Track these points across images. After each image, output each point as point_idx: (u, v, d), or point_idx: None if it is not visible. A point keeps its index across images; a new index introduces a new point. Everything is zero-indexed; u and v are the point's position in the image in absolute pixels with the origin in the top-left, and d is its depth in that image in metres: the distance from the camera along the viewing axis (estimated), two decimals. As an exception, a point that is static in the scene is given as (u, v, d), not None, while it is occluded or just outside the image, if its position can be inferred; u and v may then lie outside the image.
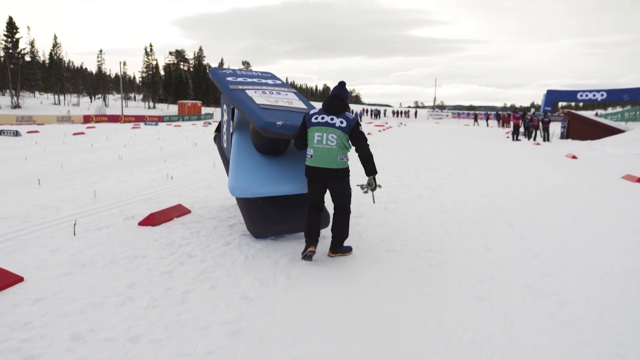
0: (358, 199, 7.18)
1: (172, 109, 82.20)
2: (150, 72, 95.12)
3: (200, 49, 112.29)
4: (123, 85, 70.86)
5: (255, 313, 3.46)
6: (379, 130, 33.09)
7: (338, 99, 4.66)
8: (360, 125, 4.70)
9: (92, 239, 5.21)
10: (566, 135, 26.38)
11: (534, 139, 25.60)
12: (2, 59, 67.66)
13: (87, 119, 45.49)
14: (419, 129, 37.90)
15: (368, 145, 4.62)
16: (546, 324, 3.37)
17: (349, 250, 4.86)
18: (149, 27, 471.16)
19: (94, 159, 13.12)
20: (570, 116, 26.91)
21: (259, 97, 5.43)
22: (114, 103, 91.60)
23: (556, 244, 5.38)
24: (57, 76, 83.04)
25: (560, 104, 58.75)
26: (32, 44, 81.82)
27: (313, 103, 6.33)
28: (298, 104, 5.62)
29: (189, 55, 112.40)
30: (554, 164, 13.81)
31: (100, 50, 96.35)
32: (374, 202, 5.20)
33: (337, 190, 4.67)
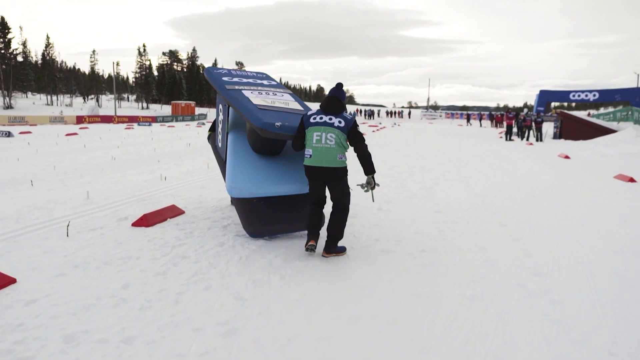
0: (352, 199, 7.17)
1: (166, 110, 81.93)
2: (144, 73, 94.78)
3: (194, 50, 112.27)
4: (116, 85, 70.56)
5: (249, 314, 3.46)
6: (373, 131, 33.13)
7: (336, 99, 4.76)
8: (358, 125, 4.76)
9: (86, 240, 5.19)
10: (559, 135, 26.52)
11: (527, 139, 25.71)
12: (-6, 59, 67.28)
13: (80, 120, 45.23)
14: (413, 129, 37.98)
15: (366, 145, 4.70)
16: (539, 323, 3.38)
17: (343, 250, 4.87)
18: (142, 28, 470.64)
19: (87, 159, 13.06)
20: (563, 116, 27.04)
21: (256, 98, 5.45)
22: (107, 103, 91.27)
23: (549, 244, 5.40)
24: (49, 77, 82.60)
25: (553, 104, 59.02)
26: (24, 44, 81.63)
27: (308, 104, 6.35)
28: (294, 105, 5.65)
29: (183, 55, 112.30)
30: (547, 164, 13.88)
31: (93, 51, 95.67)
32: (373, 201, 5.24)
33: (337, 190, 4.71)
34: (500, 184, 9.68)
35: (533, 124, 25.94)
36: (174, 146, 18.07)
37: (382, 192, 8.30)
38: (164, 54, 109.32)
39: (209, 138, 7.08)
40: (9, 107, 64.31)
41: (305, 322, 3.34)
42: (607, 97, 52.55)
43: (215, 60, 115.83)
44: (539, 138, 25.02)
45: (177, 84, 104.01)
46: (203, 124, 46.36)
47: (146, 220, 5.84)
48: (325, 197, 4.91)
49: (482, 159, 14.80)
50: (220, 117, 6.33)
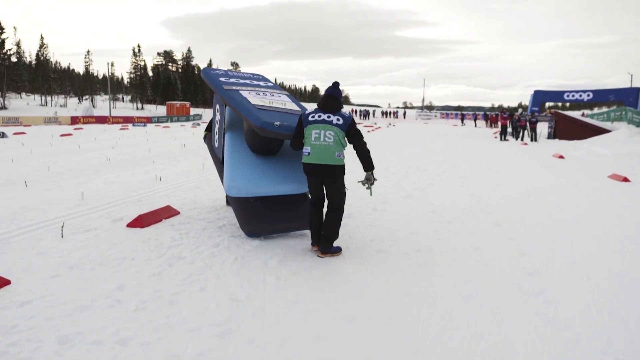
0: (347, 199, 7.18)
1: (161, 110, 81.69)
2: (139, 73, 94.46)
3: (189, 50, 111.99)
4: (111, 86, 70.22)
5: (244, 314, 3.45)
6: (368, 131, 33.12)
7: (334, 98, 4.81)
8: (356, 123, 4.81)
9: (80, 241, 5.17)
10: (553, 135, 26.61)
11: (522, 139, 25.79)
12: (-12, 60, 66.91)
13: (74, 120, 45.06)
14: (408, 130, 38.05)
15: (365, 142, 4.77)
16: (534, 323, 3.40)
17: (338, 250, 4.87)
18: (136, 28, 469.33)
19: (82, 160, 13.01)
20: (557, 116, 27.15)
21: (254, 98, 5.50)
22: (102, 104, 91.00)
23: (544, 243, 5.42)
24: (44, 77, 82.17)
25: (548, 104, 59.27)
26: (18, 44, 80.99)
27: (303, 104, 6.39)
28: (292, 105, 5.71)
29: (177, 56, 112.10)
30: (542, 163, 13.92)
31: (88, 51, 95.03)
32: (371, 195, 5.27)
33: (333, 188, 4.74)
34: (495, 184, 9.71)
35: (527, 124, 26.05)
36: (169, 147, 18.03)
37: (378, 193, 8.31)
38: (158, 54, 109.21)
39: (205, 138, 7.09)
40: (2, 107, 63.97)
41: (300, 322, 3.34)
42: (601, 97, 52.81)
43: (210, 61, 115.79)
44: (534, 138, 25.12)
45: (172, 85, 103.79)
46: (198, 124, 46.27)
47: (141, 221, 5.83)
48: (324, 198, 4.93)
49: (477, 159, 14.84)
50: (217, 117, 6.34)
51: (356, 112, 75.43)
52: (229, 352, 2.92)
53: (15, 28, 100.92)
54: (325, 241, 4.78)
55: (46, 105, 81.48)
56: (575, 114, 38.40)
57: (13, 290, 3.76)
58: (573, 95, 52.18)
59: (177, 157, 14.02)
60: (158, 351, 2.91)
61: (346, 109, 5.00)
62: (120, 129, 35.15)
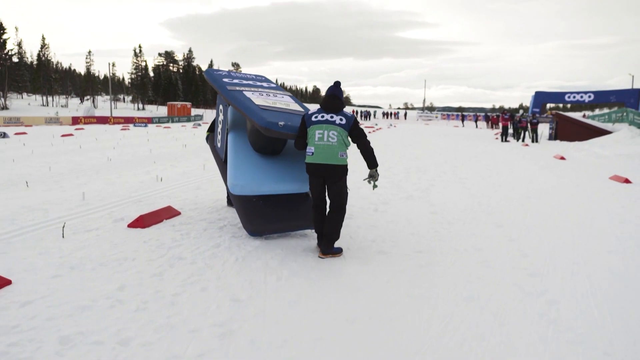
0: (348, 200, 7.18)
1: (162, 111, 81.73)
2: (140, 74, 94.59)
3: (190, 50, 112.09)
4: (112, 86, 70.33)
5: (245, 315, 3.45)
6: (369, 132, 33.08)
7: (336, 98, 4.87)
8: (359, 122, 4.84)
9: (81, 241, 5.17)
10: (554, 136, 26.62)
11: (523, 140, 25.79)
12: (-11, 60, 67.00)
13: (75, 121, 45.10)
14: (409, 131, 38.05)
15: (368, 141, 4.86)
16: (536, 324, 3.39)
17: (339, 251, 4.87)
18: (138, 28, 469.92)
19: (83, 160, 13.02)
20: (558, 117, 27.15)
21: (257, 99, 5.55)
22: (103, 104, 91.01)
23: (545, 244, 5.42)
24: (45, 77, 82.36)
25: (548, 105, 59.16)
26: (19, 44, 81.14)
27: (305, 105, 6.41)
28: (295, 106, 5.75)
29: (179, 56, 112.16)
30: (543, 165, 13.92)
31: (89, 52, 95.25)
32: (373, 189, 5.33)
33: (335, 188, 4.77)
34: (496, 185, 9.71)
35: (529, 125, 26.04)
36: (170, 147, 18.04)
37: (379, 193, 8.31)
38: (159, 54, 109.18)
39: (207, 139, 7.10)
40: (4, 107, 64.02)
41: (301, 323, 3.34)
42: (602, 99, 52.70)
43: (211, 61, 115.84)
44: (535, 139, 25.11)
45: (173, 85, 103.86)
46: (199, 125, 46.30)
47: (142, 222, 5.83)
48: (326, 199, 4.95)
49: (478, 160, 14.83)
50: (220, 117, 6.36)
51: (357, 112, 75.45)
52: (230, 353, 2.92)
53: (16, 28, 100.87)
54: (327, 242, 4.79)
55: (47, 105, 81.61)
56: (576, 115, 38.36)
57: (14, 291, 3.76)
58: (574, 97, 52.10)
59: (178, 158, 14.03)
60: (159, 352, 2.91)
61: (347, 110, 5.03)
62: (122, 129, 35.17)
